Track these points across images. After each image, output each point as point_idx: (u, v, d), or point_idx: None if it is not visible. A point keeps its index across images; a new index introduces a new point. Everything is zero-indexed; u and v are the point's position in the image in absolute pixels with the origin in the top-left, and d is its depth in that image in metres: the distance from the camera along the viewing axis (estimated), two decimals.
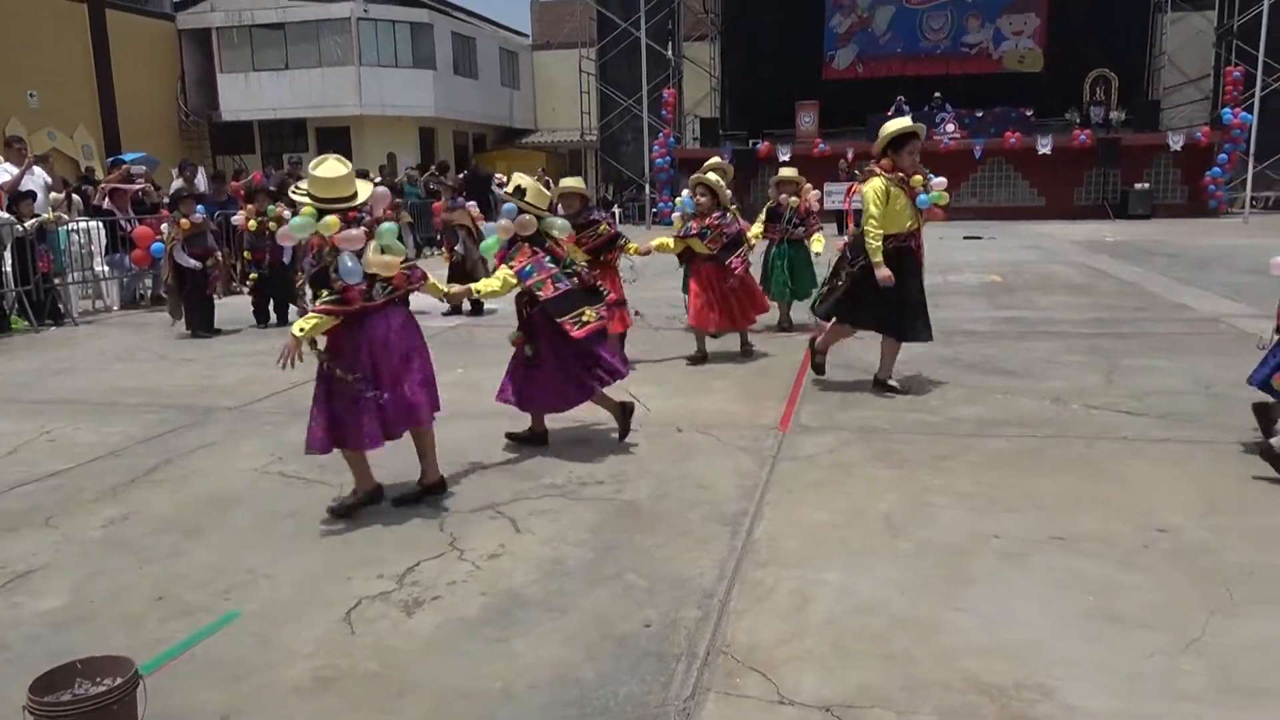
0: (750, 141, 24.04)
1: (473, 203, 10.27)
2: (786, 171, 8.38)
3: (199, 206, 9.13)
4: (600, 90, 25.83)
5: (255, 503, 4.16)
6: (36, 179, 10.36)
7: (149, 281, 11.41)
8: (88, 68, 23.61)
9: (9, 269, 9.45)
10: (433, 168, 20.09)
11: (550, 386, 4.64)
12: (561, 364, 4.59)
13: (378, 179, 15.39)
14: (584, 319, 4.50)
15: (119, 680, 2.29)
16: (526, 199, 4.51)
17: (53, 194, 11.12)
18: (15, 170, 10.06)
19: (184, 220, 8.70)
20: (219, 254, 9.09)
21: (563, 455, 4.68)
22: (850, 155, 21.92)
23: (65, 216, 10.30)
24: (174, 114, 26.63)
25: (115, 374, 7.11)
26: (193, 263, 8.63)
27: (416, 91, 26.65)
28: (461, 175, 19.36)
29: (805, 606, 3.04)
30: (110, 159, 18.64)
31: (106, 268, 11.08)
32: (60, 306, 9.95)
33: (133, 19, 25.21)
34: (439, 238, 9.81)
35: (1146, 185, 22.13)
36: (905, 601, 3.06)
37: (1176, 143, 21.75)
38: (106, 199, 11.40)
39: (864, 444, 4.80)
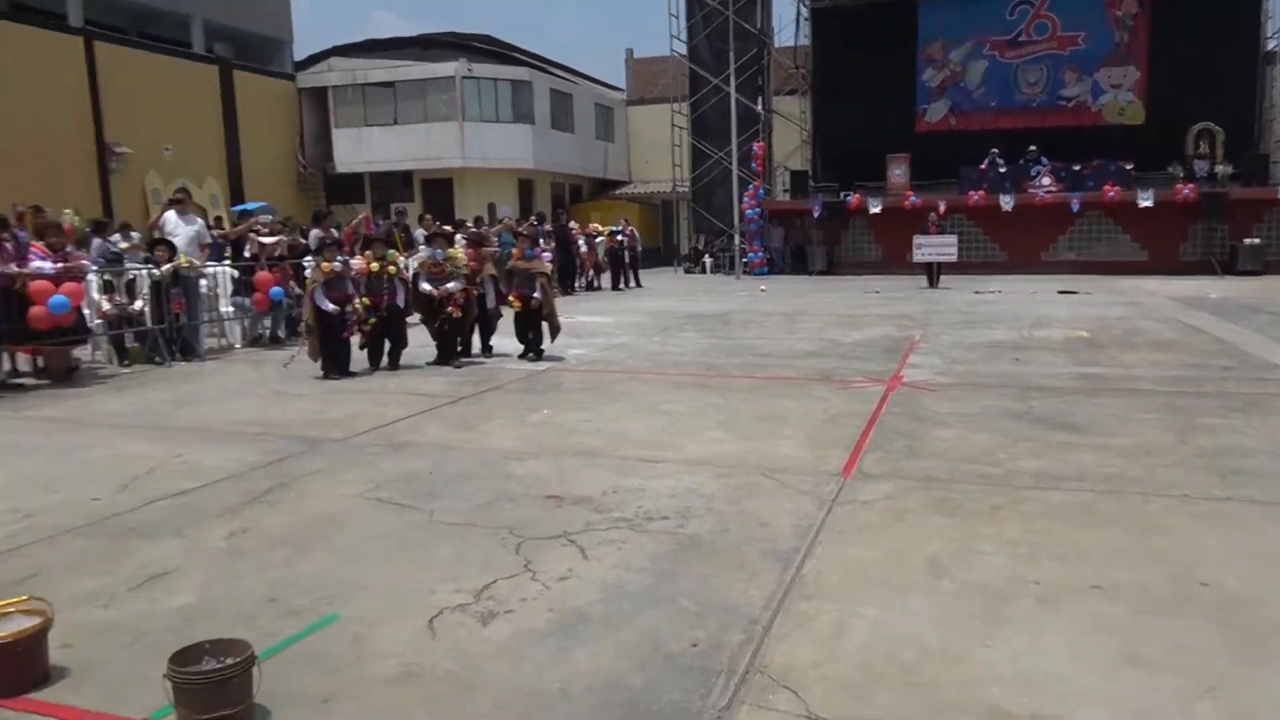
0: (841, 194, 24.29)
1: (547, 253, 10.79)
2: None
3: (339, 257, 9.59)
4: (692, 143, 26.51)
5: (355, 524, 4.63)
6: (190, 230, 11.38)
7: (267, 322, 12.30)
8: (217, 124, 25.51)
9: (148, 308, 10.42)
10: (532, 218, 20.97)
11: None
12: None
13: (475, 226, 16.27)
14: None
15: (239, 659, 2.72)
16: None
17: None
18: (182, 220, 11.20)
19: (324, 264, 9.22)
20: (357, 300, 9.19)
21: (636, 493, 5.03)
22: (942, 208, 21.95)
23: (197, 263, 11.26)
24: (293, 166, 28.43)
25: (236, 406, 7.80)
26: (330, 306, 9.01)
27: (516, 145, 27.87)
28: (551, 226, 20.14)
29: (841, 635, 3.30)
30: (234, 208, 20.11)
31: (231, 309, 12.03)
32: (190, 344, 10.85)
33: (258, 79, 27.16)
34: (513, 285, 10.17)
35: (1259, 240, 21.45)
36: (937, 635, 3.28)
37: None
38: (254, 247, 12.32)
39: (922, 492, 5.00)
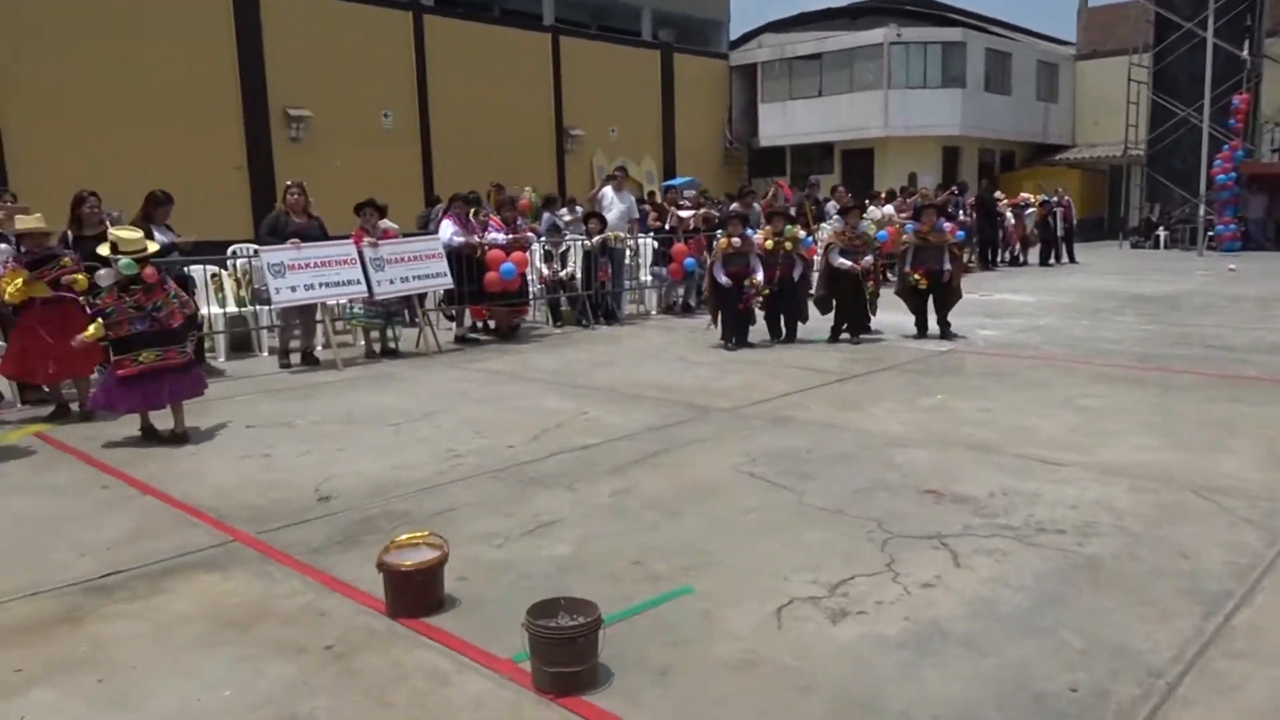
0: None
1: (949, 225, 10.03)
2: None
3: (747, 229, 9.86)
4: (1152, 99, 23.13)
5: (727, 495, 4.68)
6: (621, 205, 12.42)
7: (681, 291, 13.02)
8: (656, 105, 27.50)
9: (579, 275, 11.58)
10: (953, 187, 19.79)
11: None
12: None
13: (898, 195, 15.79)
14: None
15: (587, 620, 2.85)
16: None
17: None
18: (617, 196, 12.29)
19: (723, 240, 9.54)
20: (755, 275, 9.24)
21: (1029, 499, 4.49)
22: None
23: (623, 235, 12.23)
24: (720, 142, 29.77)
25: (642, 369, 8.34)
26: (725, 280, 9.28)
27: (942, 111, 26.42)
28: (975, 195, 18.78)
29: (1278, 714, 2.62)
30: (664, 183, 21.57)
31: (649, 278, 12.92)
32: (612, 309, 11.87)
33: (695, 60, 28.74)
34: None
35: None
36: None
37: None
38: (673, 220, 13.16)
39: None
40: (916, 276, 9.42)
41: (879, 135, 26.84)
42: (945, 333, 9.48)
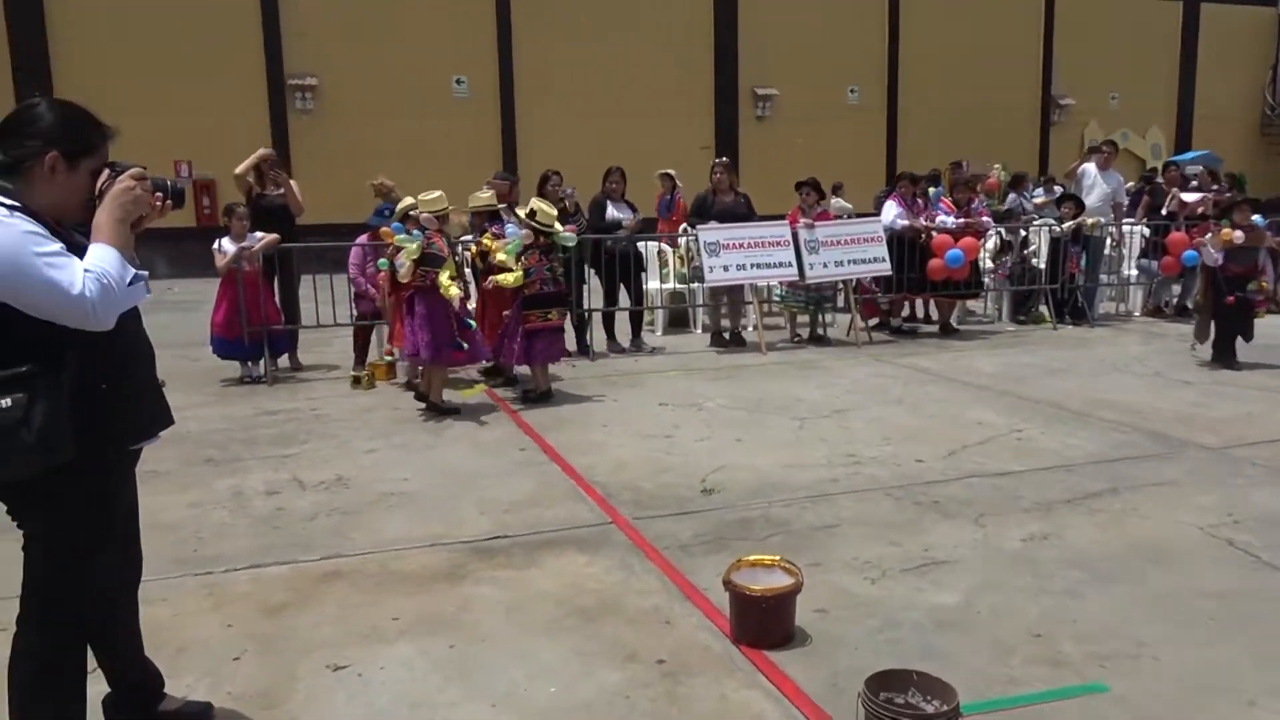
0: None
1: None
2: None
3: (1256, 217, 7.93)
4: None
5: (1184, 565, 3.64)
6: (1105, 187, 10.75)
7: (1175, 290, 10.93)
8: (1171, 66, 23.59)
9: (1044, 266, 10.23)
10: None
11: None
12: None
13: None
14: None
15: (942, 710, 2.29)
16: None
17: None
18: (1101, 175, 10.69)
19: (1225, 232, 7.75)
20: (1263, 277, 7.57)
21: None
22: None
23: (1105, 221, 10.53)
24: (1256, 109, 24.72)
25: (1104, 383, 7.06)
26: (1216, 257, 7.40)
27: None
28: None
29: None
30: (1172, 158, 18.41)
31: (1135, 272, 11.03)
32: (1082, 307, 10.31)
33: (1227, 10, 24.06)
34: None
35: None
36: None
37: None
38: (1174, 203, 11.08)
39: None
40: None
41: None
42: None
